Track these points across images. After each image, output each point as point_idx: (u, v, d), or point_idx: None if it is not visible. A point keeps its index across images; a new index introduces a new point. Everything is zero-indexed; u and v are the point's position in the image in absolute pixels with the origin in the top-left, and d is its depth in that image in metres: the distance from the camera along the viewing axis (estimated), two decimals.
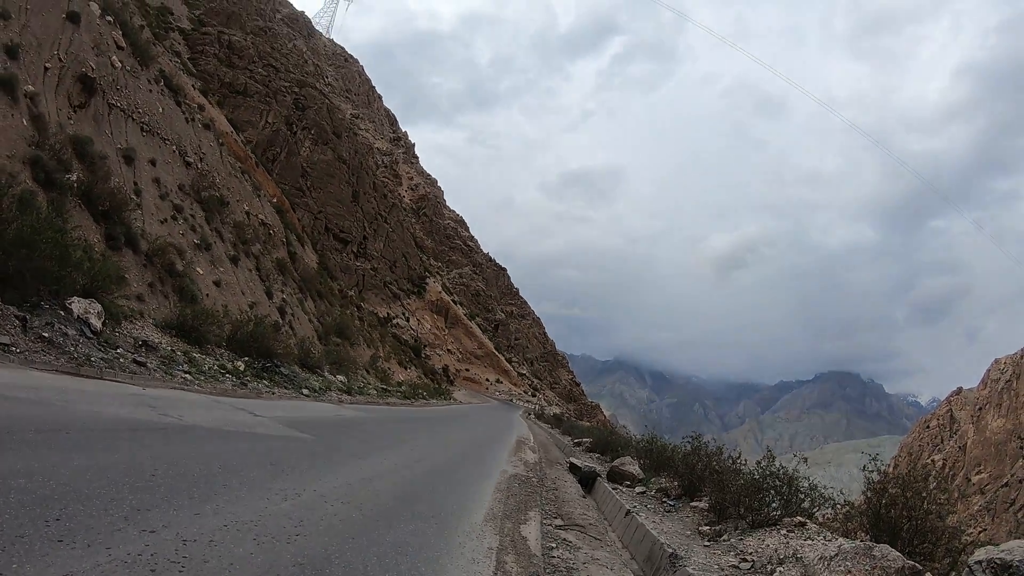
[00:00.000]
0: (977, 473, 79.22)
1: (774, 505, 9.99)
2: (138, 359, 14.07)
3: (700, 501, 12.71)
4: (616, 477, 17.05)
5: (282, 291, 34.60)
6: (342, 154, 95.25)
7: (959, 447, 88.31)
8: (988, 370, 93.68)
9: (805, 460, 11.19)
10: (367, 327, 61.58)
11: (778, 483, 10.06)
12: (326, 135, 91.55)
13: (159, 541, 4.77)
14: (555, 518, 11.62)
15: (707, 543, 9.29)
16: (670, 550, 8.17)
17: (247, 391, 17.23)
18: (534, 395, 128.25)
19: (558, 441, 35.40)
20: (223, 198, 32.13)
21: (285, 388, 20.49)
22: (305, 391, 21.51)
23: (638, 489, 15.40)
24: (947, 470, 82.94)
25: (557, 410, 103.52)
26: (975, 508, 71.01)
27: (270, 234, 39.80)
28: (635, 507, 12.12)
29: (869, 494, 8.38)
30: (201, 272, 24.74)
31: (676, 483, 14.67)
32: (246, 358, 20.69)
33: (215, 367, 17.62)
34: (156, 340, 16.72)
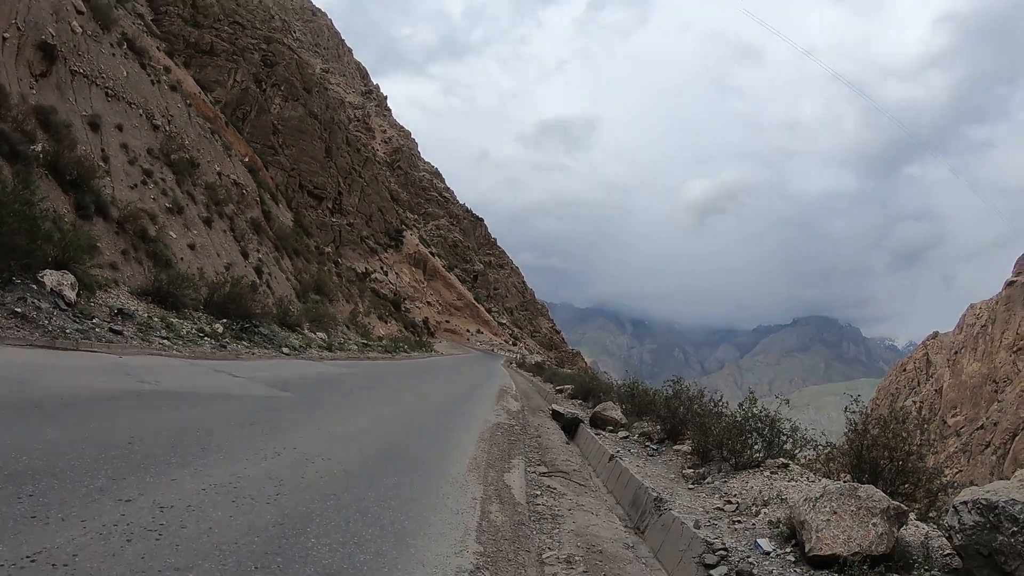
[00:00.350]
0: (953, 416, 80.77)
1: (756, 447, 10.10)
2: (114, 328, 13.98)
3: (683, 444, 12.96)
4: (599, 423, 17.14)
5: (258, 251, 34.48)
6: (313, 110, 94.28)
7: (935, 390, 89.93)
8: (964, 315, 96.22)
9: (787, 402, 11.51)
10: (345, 283, 61.60)
11: (760, 425, 10.15)
12: (296, 91, 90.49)
13: (135, 510, 4.68)
14: (539, 465, 11.69)
15: (691, 486, 9.41)
16: (655, 494, 8.24)
17: (226, 353, 17.25)
18: (515, 344, 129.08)
19: (540, 389, 35.53)
20: (193, 160, 31.83)
21: (265, 348, 20.52)
22: (285, 350, 21.56)
23: (621, 434, 15.49)
24: (924, 413, 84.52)
25: (538, 358, 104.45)
26: (952, 450, 72.53)
27: (243, 194, 39.51)
28: (618, 452, 12.20)
29: (851, 435, 8.44)
30: (175, 236, 24.65)
31: (658, 427, 14.78)
32: (224, 320, 20.71)
33: (193, 331, 17.61)
34: (132, 308, 16.69)
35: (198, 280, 21.94)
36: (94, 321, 14.00)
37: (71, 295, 13.98)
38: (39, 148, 18.89)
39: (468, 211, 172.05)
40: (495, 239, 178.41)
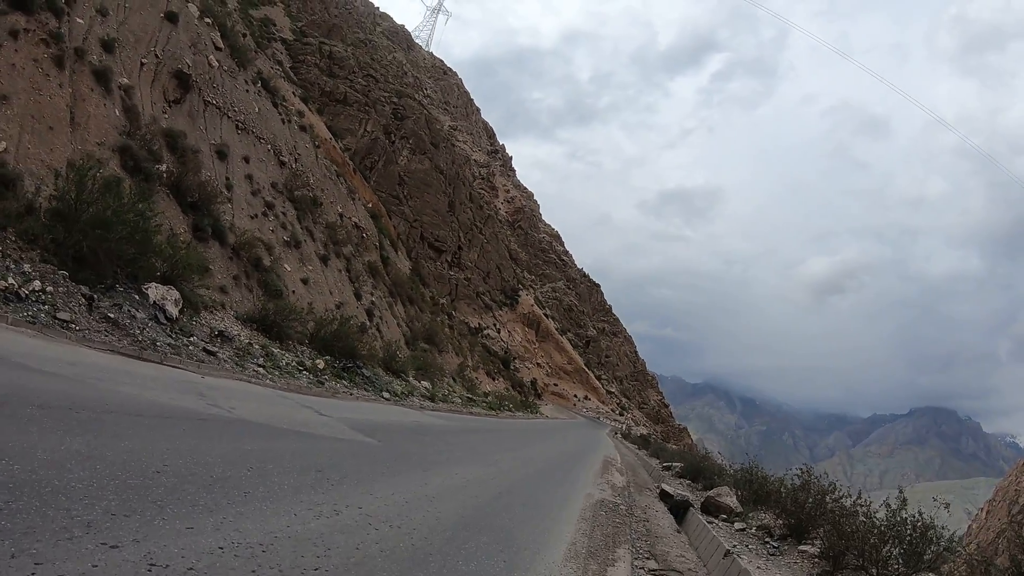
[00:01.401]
0: None
1: (895, 554, 8.79)
2: (209, 348, 13.54)
3: (809, 544, 11.43)
4: (711, 509, 15.58)
5: (371, 294, 34.28)
6: (439, 164, 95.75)
7: None
8: None
9: (947, 507, 10.28)
10: (456, 335, 61.20)
11: (911, 532, 8.64)
12: (423, 145, 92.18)
13: (115, 562, 3.57)
14: (648, 558, 10.16)
15: None
16: None
17: (322, 390, 16.49)
18: (622, 414, 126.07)
19: (646, 463, 33.50)
20: (316, 199, 32.03)
21: (365, 390, 19.80)
22: (386, 394, 20.79)
23: (737, 525, 13.83)
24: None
25: (644, 431, 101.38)
26: None
27: (363, 237, 39.67)
28: (735, 547, 10.63)
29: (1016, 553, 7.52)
30: (288, 269, 24.45)
31: (780, 521, 13.14)
32: (327, 357, 20.12)
33: (293, 363, 17.03)
34: (235, 332, 16.30)
35: (306, 314, 21.45)
36: (191, 339, 13.63)
37: (173, 311, 13.60)
38: (163, 168, 18.98)
39: (585, 276, 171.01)
40: (610, 306, 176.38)
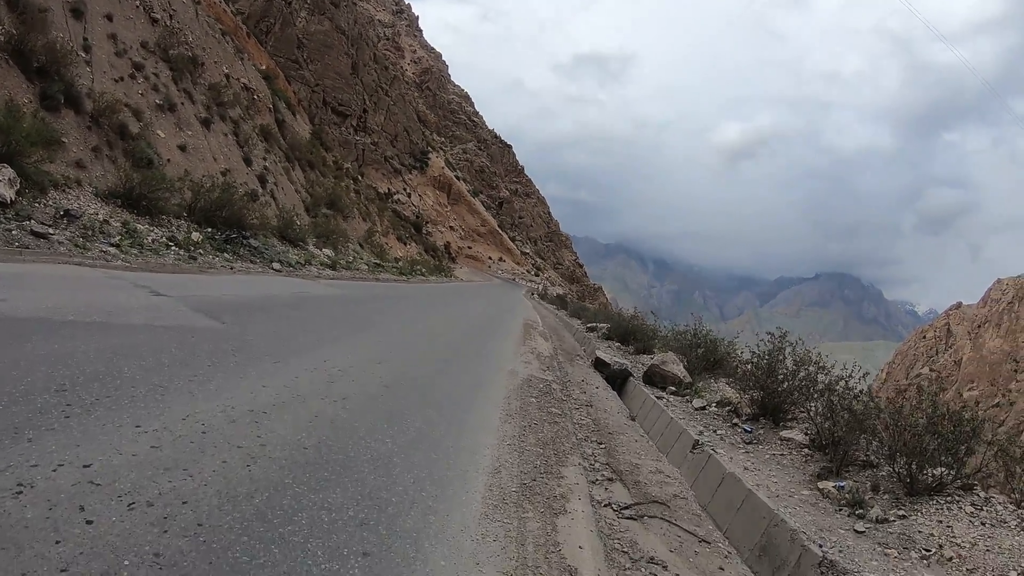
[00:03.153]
0: (969, 390, 79.91)
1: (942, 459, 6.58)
2: (38, 231, 11.74)
3: (789, 429, 9.37)
4: (655, 379, 13.63)
5: (264, 159, 32.12)
6: (340, 24, 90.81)
7: (954, 361, 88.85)
8: (989, 289, 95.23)
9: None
10: (364, 200, 59.28)
11: (951, 427, 6.60)
12: (323, 4, 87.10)
13: None
14: (609, 479, 7.33)
15: (860, 528, 5.79)
16: (814, 549, 5.05)
17: (193, 266, 14.83)
18: (537, 275, 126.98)
19: (568, 324, 32.34)
20: (196, 58, 29.35)
21: (251, 262, 18.23)
22: (276, 265, 19.21)
23: (696, 403, 11.50)
24: (939, 383, 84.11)
25: (560, 291, 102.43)
26: None
27: (254, 99, 37.05)
28: (701, 434, 8.97)
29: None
30: (162, 135, 22.34)
31: (745, 396, 10.71)
32: (208, 229, 18.57)
33: (162, 239, 15.34)
34: (90, 210, 14.58)
35: (182, 183, 19.62)
36: (28, 223, 11.78)
37: (8, 193, 11.85)
38: None
39: (496, 137, 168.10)
40: (522, 167, 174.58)
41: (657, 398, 11.82)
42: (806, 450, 8.44)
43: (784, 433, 9.14)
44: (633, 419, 11.40)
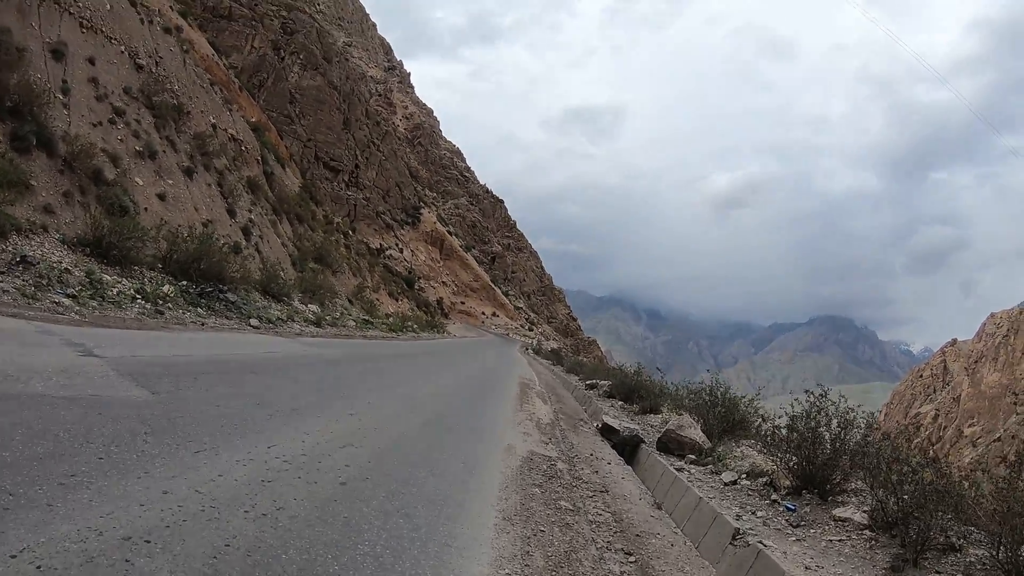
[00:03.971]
0: (970, 426, 79.18)
1: None
2: None
3: (842, 506, 7.81)
4: (670, 446, 12.11)
5: (250, 211, 31.03)
6: (332, 80, 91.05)
7: (952, 398, 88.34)
8: (984, 324, 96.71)
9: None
10: (355, 255, 58.23)
11: None
12: (315, 60, 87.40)
13: None
14: None
15: None
16: None
17: (159, 321, 13.32)
18: (531, 329, 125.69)
19: (565, 381, 31.08)
20: (181, 106, 28.45)
21: (226, 318, 16.84)
22: (254, 321, 17.80)
23: (726, 476, 9.82)
24: (939, 420, 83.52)
25: (555, 345, 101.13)
26: (966, 460, 71.39)
27: (242, 150, 36.14)
28: (738, 517, 7.58)
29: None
30: (140, 182, 21.25)
31: (776, 461, 9.16)
32: (183, 282, 17.39)
33: (130, 291, 14.02)
34: (55, 257, 13.38)
35: (157, 233, 18.40)
36: None
37: None
38: None
39: (488, 191, 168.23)
40: (515, 221, 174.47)
41: (677, 470, 10.30)
42: (867, 532, 6.97)
43: (838, 512, 7.57)
44: (660, 507, 9.39)
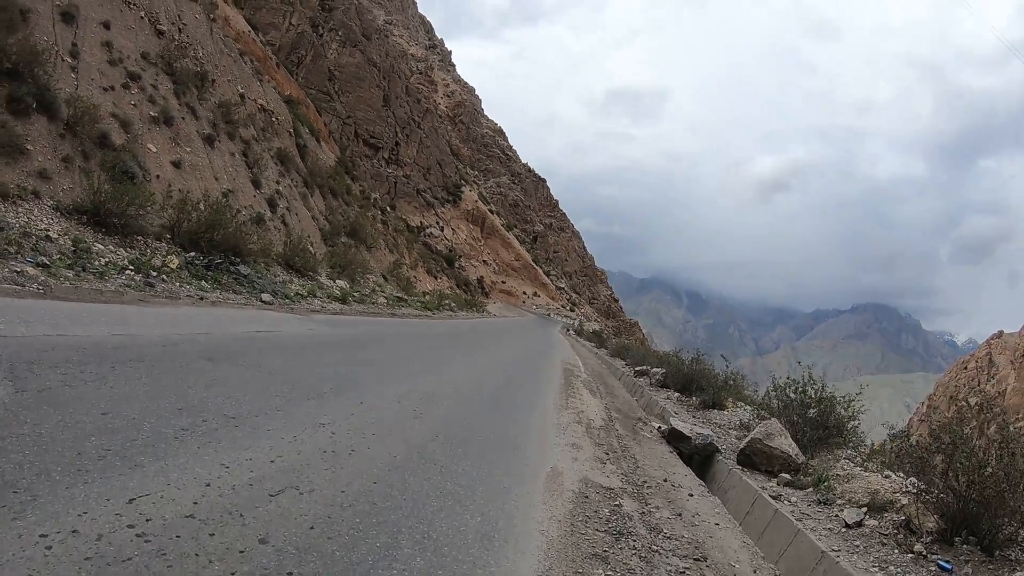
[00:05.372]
0: (1016, 421, 76.55)
1: None
2: None
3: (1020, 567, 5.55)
4: (756, 459, 9.40)
5: (277, 182, 29.84)
6: (372, 57, 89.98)
7: (998, 392, 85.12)
8: None
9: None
10: (392, 231, 57.11)
11: None
12: (354, 37, 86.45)
13: None
14: None
15: None
16: None
17: (144, 295, 11.53)
18: (572, 310, 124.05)
19: (612, 367, 28.43)
20: (205, 73, 27.30)
21: (234, 292, 15.28)
22: (266, 297, 16.18)
23: (848, 515, 7.02)
24: (984, 415, 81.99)
25: (596, 326, 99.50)
26: None
27: (272, 121, 34.98)
28: None
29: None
30: (153, 149, 20.05)
31: (909, 487, 6.91)
32: (192, 253, 16.16)
33: (123, 262, 12.83)
34: (40, 225, 12.20)
35: (167, 201, 17.13)
36: None
37: None
38: None
39: (531, 171, 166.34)
40: (556, 201, 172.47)
41: (773, 497, 7.74)
42: None
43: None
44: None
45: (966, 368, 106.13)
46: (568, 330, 73.66)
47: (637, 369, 24.56)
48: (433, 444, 7.19)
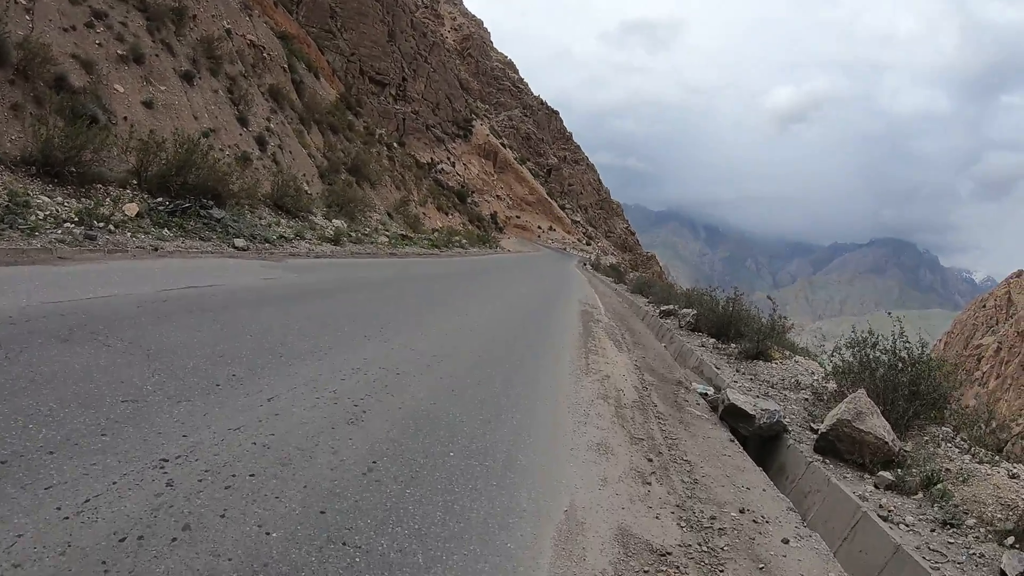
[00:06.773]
0: None
1: None
2: None
3: None
4: (842, 447, 6.79)
5: (268, 119, 28.42)
6: None
7: (1016, 332, 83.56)
8: None
9: None
10: (399, 168, 55.63)
11: None
12: None
13: None
14: None
15: None
16: None
17: (79, 250, 9.92)
18: (588, 244, 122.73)
19: (633, 305, 26.01)
20: (184, 9, 25.79)
21: (201, 239, 13.73)
22: (240, 242, 14.70)
23: (1009, 564, 4.28)
24: (1001, 354, 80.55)
25: (613, 260, 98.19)
26: None
27: (263, 57, 33.44)
28: None
29: None
30: (121, 90, 18.70)
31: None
32: (159, 198, 14.99)
33: (68, 214, 11.69)
34: None
35: (124, 142, 15.86)
36: None
37: None
38: None
39: (543, 103, 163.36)
40: (570, 133, 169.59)
41: (880, 516, 5.13)
42: None
43: None
44: None
45: (984, 306, 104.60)
46: (585, 264, 72.56)
47: (663, 309, 22.22)
48: (395, 462, 4.47)
